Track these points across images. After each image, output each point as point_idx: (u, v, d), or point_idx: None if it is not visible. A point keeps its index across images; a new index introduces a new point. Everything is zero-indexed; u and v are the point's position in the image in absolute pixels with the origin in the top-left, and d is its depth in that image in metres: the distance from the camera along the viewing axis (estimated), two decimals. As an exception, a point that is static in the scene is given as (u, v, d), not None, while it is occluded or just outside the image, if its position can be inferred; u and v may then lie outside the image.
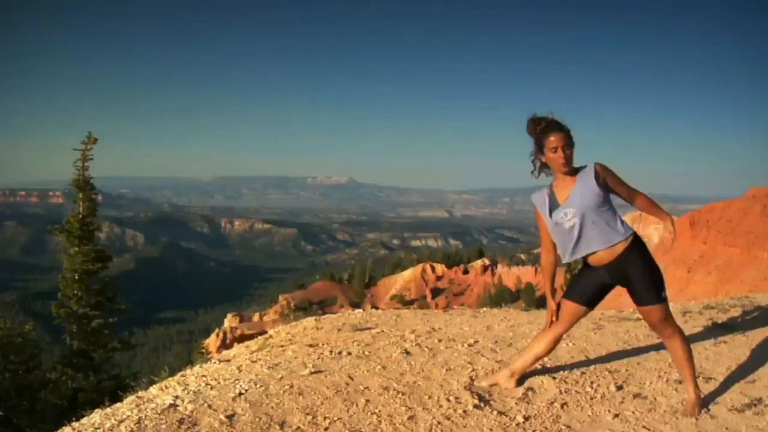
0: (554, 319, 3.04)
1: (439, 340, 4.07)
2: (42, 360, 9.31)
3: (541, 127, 2.81)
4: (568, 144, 2.77)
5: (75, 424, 2.79)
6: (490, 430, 2.66)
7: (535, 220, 3.01)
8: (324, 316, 5.44)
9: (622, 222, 2.84)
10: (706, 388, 3.10)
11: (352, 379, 3.22)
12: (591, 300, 2.97)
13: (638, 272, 2.79)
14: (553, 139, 2.76)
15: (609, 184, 2.79)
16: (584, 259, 2.88)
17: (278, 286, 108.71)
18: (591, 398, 3.03)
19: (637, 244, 2.83)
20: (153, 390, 3.32)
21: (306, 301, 71.08)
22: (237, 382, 3.16)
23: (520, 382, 3.17)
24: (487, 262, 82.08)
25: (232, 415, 2.70)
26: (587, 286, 2.93)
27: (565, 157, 2.76)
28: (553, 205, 2.85)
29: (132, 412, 2.78)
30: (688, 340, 2.94)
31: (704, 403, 2.92)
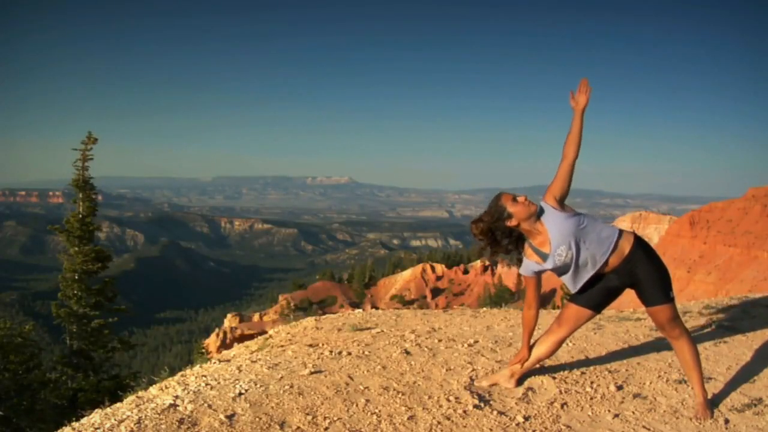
0: (521, 366, 3.12)
1: (439, 340, 4.07)
2: (42, 360, 9.33)
3: (491, 205, 2.87)
4: None
5: (75, 424, 2.79)
6: (490, 430, 2.66)
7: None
8: (324, 316, 5.43)
9: (606, 224, 2.91)
10: (707, 388, 3.09)
11: (352, 379, 3.22)
12: (598, 304, 2.97)
13: (646, 271, 2.80)
14: (507, 195, 2.86)
15: (560, 193, 2.82)
16: None
17: (278, 286, 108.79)
18: (591, 398, 3.03)
19: (641, 243, 2.85)
20: (153, 390, 3.32)
21: (306, 301, 71.05)
22: (237, 382, 3.16)
23: (520, 382, 3.17)
24: (487, 262, 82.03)
25: (232, 415, 2.70)
26: (595, 290, 2.93)
27: (526, 197, 2.84)
28: (545, 258, 2.85)
29: (132, 412, 2.78)
30: (694, 341, 2.94)
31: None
